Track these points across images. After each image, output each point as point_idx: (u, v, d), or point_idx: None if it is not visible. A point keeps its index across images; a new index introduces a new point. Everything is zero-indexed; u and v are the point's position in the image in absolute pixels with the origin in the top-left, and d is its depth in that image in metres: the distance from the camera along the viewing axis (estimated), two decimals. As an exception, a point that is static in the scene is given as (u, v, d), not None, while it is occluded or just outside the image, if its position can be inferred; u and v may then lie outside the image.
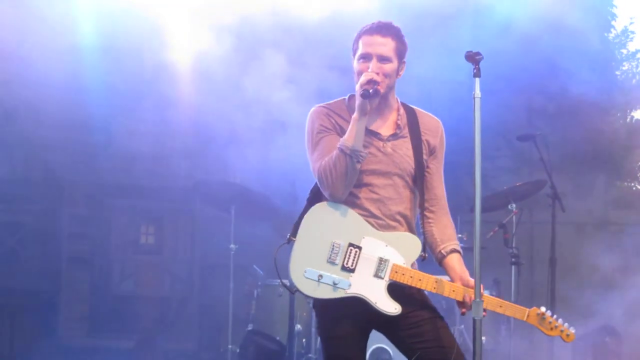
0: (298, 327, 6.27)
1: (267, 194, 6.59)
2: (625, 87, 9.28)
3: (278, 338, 6.30)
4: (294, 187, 6.16)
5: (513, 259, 6.63)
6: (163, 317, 7.64)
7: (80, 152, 6.90)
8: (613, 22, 9.67)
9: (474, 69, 3.22)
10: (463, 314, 3.40)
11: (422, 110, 3.61)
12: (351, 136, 3.32)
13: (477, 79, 3.21)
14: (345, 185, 3.35)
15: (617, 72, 9.58)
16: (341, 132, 3.42)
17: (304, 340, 6.31)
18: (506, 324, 6.67)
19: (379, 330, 3.49)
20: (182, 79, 6.37)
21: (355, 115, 3.34)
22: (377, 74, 3.35)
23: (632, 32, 10.25)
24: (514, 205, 6.67)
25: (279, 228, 6.47)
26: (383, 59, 3.41)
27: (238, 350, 6.32)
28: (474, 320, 3.15)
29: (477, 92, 3.20)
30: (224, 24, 6.05)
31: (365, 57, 3.42)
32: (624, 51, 10.16)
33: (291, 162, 6.03)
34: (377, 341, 3.43)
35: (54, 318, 7.18)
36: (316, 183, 3.51)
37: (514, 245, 6.69)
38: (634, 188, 8.99)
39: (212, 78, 6.26)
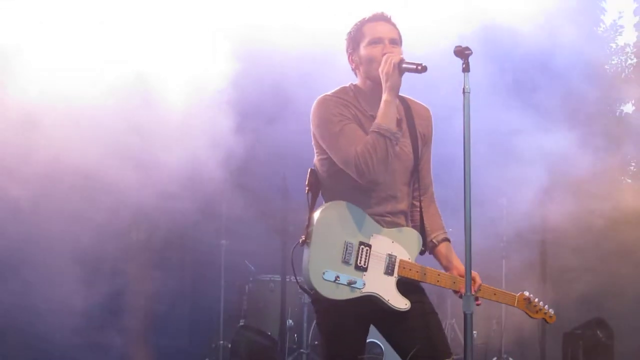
0: (289, 322, 6.28)
1: (258, 189, 6.59)
2: (615, 81, 9.30)
3: (269, 333, 6.31)
4: (285, 182, 6.15)
5: (503, 253, 6.66)
6: (154, 313, 7.63)
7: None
8: (602, 17, 9.70)
9: (462, 63, 3.21)
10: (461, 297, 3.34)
11: (412, 99, 3.58)
12: (386, 118, 3.26)
13: (466, 74, 3.20)
14: (385, 170, 3.29)
15: (607, 67, 9.59)
16: (359, 123, 3.35)
17: (295, 335, 6.33)
18: (497, 318, 6.70)
19: (374, 324, 3.49)
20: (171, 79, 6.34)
21: (387, 97, 3.27)
22: None
23: (621, 27, 10.26)
24: (504, 199, 6.71)
25: (270, 223, 6.49)
26: (394, 42, 3.39)
27: (229, 346, 6.33)
28: (465, 315, 3.14)
29: (467, 87, 3.19)
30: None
31: (377, 41, 3.38)
32: (613, 45, 10.17)
33: (282, 157, 6.03)
34: (369, 336, 3.45)
35: (46, 315, 7.16)
36: (310, 174, 3.46)
37: (504, 239, 6.73)
38: (623, 182, 9.02)
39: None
